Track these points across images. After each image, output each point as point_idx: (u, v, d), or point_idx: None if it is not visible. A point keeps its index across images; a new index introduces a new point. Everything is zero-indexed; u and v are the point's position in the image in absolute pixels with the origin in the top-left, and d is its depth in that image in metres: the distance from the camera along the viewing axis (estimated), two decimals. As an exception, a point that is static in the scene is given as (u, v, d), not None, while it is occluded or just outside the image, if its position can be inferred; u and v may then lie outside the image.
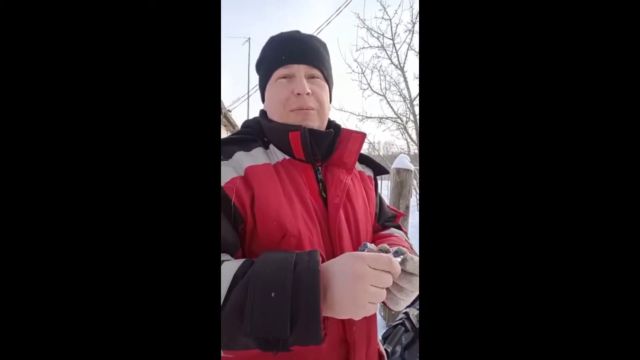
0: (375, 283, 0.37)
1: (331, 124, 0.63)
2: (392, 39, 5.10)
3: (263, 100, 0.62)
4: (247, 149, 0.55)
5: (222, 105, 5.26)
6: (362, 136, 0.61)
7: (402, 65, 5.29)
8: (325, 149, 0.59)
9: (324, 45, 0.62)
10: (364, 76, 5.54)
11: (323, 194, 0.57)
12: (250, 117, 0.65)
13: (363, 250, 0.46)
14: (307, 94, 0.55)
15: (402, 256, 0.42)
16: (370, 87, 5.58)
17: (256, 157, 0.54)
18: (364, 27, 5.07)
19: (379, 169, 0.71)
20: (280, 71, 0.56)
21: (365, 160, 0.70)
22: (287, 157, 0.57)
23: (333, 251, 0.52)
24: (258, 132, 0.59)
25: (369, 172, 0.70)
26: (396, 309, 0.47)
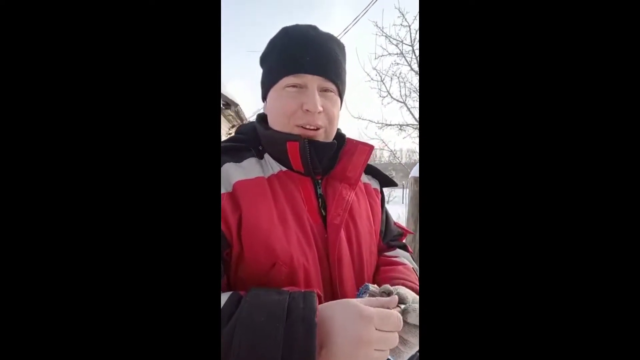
0: (381, 347, 0.33)
1: (337, 134, 0.56)
2: (412, 45, 5.02)
3: (264, 99, 0.55)
4: (238, 159, 0.49)
5: (242, 115, 5.38)
6: (369, 148, 0.55)
7: (422, 71, 5.17)
8: (326, 161, 0.53)
9: (342, 48, 0.54)
10: (383, 84, 5.47)
11: (322, 211, 0.51)
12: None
13: (363, 293, 0.42)
14: (319, 112, 0.49)
15: (402, 306, 0.39)
16: (390, 94, 5.49)
17: (248, 169, 0.48)
18: (382, 34, 5.04)
19: (386, 181, 0.64)
20: (290, 79, 0.49)
21: (371, 170, 0.64)
22: (284, 169, 0.52)
23: (331, 278, 0.47)
24: (252, 140, 0.53)
25: (375, 185, 0.63)
26: None
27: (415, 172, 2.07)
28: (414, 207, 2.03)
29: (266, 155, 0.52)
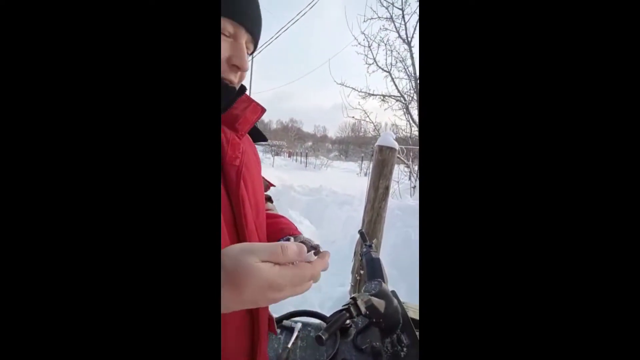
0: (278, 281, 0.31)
1: None
2: (402, 9, 4.76)
3: None
4: None
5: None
6: (261, 110, 0.55)
7: (409, 39, 4.98)
8: (223, 105, 0.50)
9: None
10: (370, 50, 5.26)
11: None
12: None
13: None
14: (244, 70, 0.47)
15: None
16: (376, 62, 5.31)
17: None
18: (373, -6, 4.73)
19: (259, 136, 0.63)
20: (224, 24, 0.44)
21: None
22: None
23: (235, 219, 0.47)
24: None
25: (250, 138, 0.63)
26: None
27: (381, 141, 2.03)
28: (375, 175, 2.01)
29: None
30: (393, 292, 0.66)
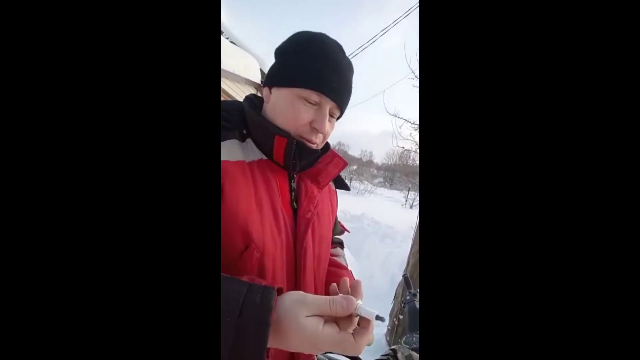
0: (332, 347, 0.34)
1: None
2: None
3: (266, 85, 0.54)
4: (222, 138, 0.49)
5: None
6: (343, 164, 0.60)
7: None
8: (306, 163, 0.55)
9: (352, 74, 0.56)
10: (427, 83, 5.19)
11: (294, 204, 0.54)
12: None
13: None
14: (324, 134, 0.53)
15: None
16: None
17: (231, 151, 0.49)
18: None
19: (341, 184, 0.68)
20: (310, 94, 0.49)
21: None
22: (264, 158, 0.53)
23: (295, 267, 0.51)
24: (237, 122, 0.53)
25: (333, 187, 0.68)
26: None
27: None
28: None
29: (249, 140, 0.53)
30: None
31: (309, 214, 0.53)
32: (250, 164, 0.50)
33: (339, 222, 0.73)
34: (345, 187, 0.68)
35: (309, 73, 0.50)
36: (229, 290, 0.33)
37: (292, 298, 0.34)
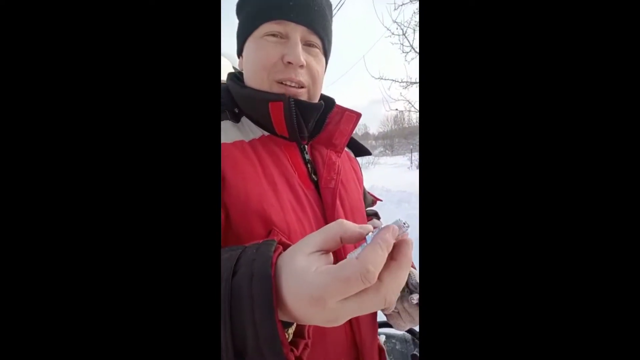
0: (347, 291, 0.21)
1: (321, 97, 0.51)
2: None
3: (239, 54, 0.49)
4: None
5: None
6: (356, 115, 0.51)
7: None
8: (312, 125, 0.48)
9: (329, 3, 0.48)
10: (406, 37, 5.01)
11: (313, 176, 0.47)
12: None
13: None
14: (301, 66, 0.43)
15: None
16: (413, 48, 5.03)
17: (224, 132, 0.42)
18: (401, -21, 4.50)
19: (360, 150, 0.60)
20: (271, 26, 0.42)
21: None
22: (266, 134, 0.46)
23: None
24: (226, 102, 0.47)
25: (351, 153, 0.59)
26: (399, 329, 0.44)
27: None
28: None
29: (244, 119, 0.46)
30: None
31: (332, 182, 0.46)
32: (252, 142, 0.44)
33: (368, 192, 0.64)
34: (366, 152, 0.60)
35: (259, 6, 0.43)
36: (225, 259, 0.26)
37: (290, 247, 0.26)
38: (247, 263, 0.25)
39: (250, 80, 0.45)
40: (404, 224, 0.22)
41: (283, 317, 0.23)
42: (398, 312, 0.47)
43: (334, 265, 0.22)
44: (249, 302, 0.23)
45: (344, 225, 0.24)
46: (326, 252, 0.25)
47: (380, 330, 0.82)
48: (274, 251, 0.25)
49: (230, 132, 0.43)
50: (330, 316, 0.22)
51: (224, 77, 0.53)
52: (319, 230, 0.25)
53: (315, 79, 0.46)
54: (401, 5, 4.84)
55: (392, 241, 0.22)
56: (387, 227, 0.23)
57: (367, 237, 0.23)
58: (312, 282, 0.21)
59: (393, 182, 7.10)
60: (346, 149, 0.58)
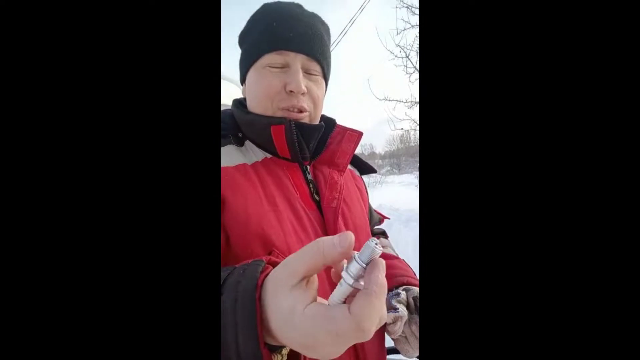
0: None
1: (323, 118, 0.53)
2: (437, 12, 4.61)
3: (242, 82, 0.51)
4: None
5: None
6: (358, 134, 0.52)
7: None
8: (314, 146, 0.49)
9: (327, 30, 0.50)
10: (409, 59, 5.15)
11: (315, 196, 0.47)
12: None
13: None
14: (303, 93, 0.45)
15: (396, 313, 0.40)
16: (417, 69, 5.14)
17: (227, 156, 0.44)
18: (403, 6, 4.69)
19: (365, 168, 0.60)
20: (272, 57, 0.45)
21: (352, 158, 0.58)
22: (269, 156, 0.47)
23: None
24: (230, 127, 0.49)
25: (356, 172, 0.60)
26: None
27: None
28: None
29: (247, 143, 0.48)
30: None
31: (334, 202, 0.46)
32: (254, 165, 0.45)
33: (375, 211, 0.64)
34: (371, 170, 0.61)
35: (260, 38, 0.46)
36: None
37: (277, 267, 0.24)
38: (233, 285, 0.24)
39: (254, 107, 0.47)
40: (376, 244, 0.21)
41: (272, 342, 0.23)
42: (405, 337, 0.45)
43: (324, 312, 0.20)
44: (232, 326, 0.22)
45: (321, 246, 0.22)
46: (309, 277, 0.23)
47: (388, 357, 0.78)
48: (262, 271, 0.24)
49: (233, 156, 0.44)
50: (323, 354, 0.21)
51: (229, 101, 0.55)
52: (298, 254, 0.23)
53: (316, 103, 0.47)
54: (403, 30, 5.02)
55: (385, 282, 0.21)
56: (377, 265, 0.21)
57: (354, 255, 0.22)
58: (301, 329, 0.20)
59: (400, 201, 7.03)
60: (351, 167, 0.59)
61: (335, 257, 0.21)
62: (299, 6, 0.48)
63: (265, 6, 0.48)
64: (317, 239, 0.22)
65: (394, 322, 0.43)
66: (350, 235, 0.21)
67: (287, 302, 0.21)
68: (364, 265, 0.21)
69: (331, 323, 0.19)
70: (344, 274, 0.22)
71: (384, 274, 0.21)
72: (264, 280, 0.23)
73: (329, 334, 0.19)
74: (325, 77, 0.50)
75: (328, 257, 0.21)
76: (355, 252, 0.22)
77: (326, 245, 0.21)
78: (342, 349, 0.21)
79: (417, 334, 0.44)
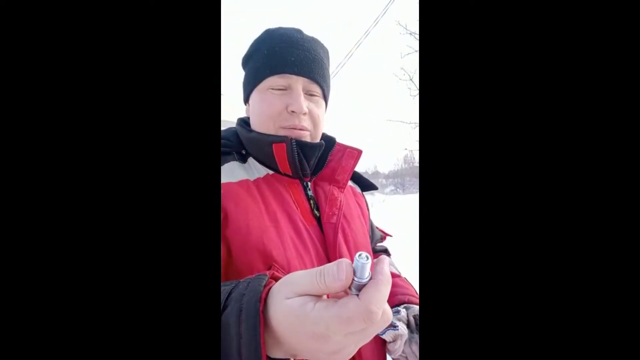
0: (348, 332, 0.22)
1: (323, 137, 0.55)
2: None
3: (246, 102, 0.54)
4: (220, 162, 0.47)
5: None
6: (357, 153, 0.53)
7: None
8: (314, 163, 0.50)
9: (326, 53, 0.53)
10: (412, 82, 5.28)
11: (316, 212, 0.48)
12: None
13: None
14: (304, 113, 0.47)
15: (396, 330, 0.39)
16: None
17: (231, 172, 0.45)
18: (406, 32, 4.87)
19: (367, 185, 0.61)
20: (275, 80, 0.47)
21: (352, 175, 0.60)
22: (271, 172, 0.49)
23: None
24: (235, 145, 0.51)
25: (358, 189, 0.61)
26: None
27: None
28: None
29: (250, 159, 0.50)
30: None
31: (334, 217, 0.47)
32: (256, 181, 0.46)
33: (377, 228, 0.64)
34: (372, 187, 0.62)
35: (263, 61, 0.48)
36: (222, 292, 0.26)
37: (280, 281, 0.25)
38: (237, 298, 0.25)
39: (257, 127, 0.49)
40: (367, 257, 0.22)
41: (278, 354, 0.24)
42: (406, 357, 0.44)
43: (335, 301, 0.22)
44: (236, 339, 0.23)
45: (323, 280, 0.22)
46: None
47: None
48: (265, 285, 0.25)
49: (236, 172, 0.46)
50: (334, 348, 0.22)
51: (231, 113, 0.57)
52: (301, 277, 0.24)
53: (316, 123, 0.49)
54: (407, 54, 5.19)
55: (389, 272, 0.22)
56: (381, 259, 0.23)
57: (354, 278, 0.22)
58: (314, 318, 0.21)
59: (406, 223, 6.95)
60: (352, 184, 0.60)
61: (337, 289, 0.22)
62: (299, 31, 0.51)
63: (267, 32, 0.51)
64: (321, 268, 0.23)
65: (394, 340, 0.43)
66: (347, 266, 0.22)
67: (298, 302, 0.22)
68: (365, 281, 0.22)
69: (342, 308, 0.21)
70: (350, 292, 0.23)
71: (388, 267, 0.23)
72: (267, 293, 0.25)
73: (340, 320, 0.21)
74: (325, 98, 0.52)
75: (331, 289, 0.22)
76: (354, 277, 0.22)
77: (328, 279, 0.22)
78: (351, 341, 0.22)
79: (418, 354, 0.43)
